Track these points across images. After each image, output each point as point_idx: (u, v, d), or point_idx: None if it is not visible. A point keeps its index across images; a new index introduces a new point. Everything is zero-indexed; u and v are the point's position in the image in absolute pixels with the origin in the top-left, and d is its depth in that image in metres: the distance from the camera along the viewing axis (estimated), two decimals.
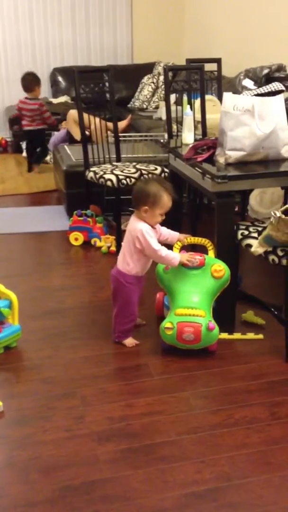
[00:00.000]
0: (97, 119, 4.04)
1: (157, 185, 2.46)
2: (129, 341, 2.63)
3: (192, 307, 2.49)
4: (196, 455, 1.96)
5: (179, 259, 2.52)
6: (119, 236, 3.71)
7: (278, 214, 2.33)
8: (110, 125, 4.21)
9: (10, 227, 4.20)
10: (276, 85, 3.06)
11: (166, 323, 2.49)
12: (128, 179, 3.59)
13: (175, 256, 2.52)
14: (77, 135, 5.41)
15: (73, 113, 5.54)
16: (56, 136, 5.70)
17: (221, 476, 1.87)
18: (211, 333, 2.47)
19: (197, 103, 3.67)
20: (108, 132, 4.33)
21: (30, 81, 5.58)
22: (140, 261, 2.52)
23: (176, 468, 1.90)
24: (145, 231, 2.44)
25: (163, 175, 3.67)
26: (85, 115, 4.03)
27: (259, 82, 3.55)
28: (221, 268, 2.54)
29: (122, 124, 5.50)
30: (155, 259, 2.54)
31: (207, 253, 2.64)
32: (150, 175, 3.59)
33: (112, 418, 2.14)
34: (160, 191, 2.44)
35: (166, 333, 2.49)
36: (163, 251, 2.48)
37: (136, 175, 3.62)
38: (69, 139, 5.45)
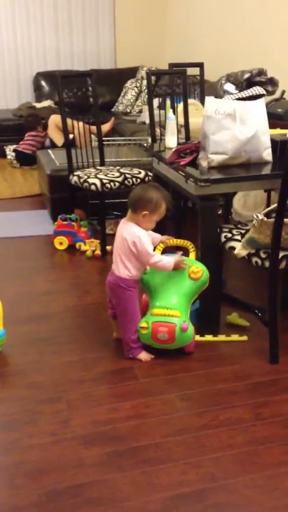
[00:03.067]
0: (81, 124, 4.04)
1: (158, 193, 2.47)
2: (145, 356, 2.54)
3: (168, 307, 2.51)
4: (182, 457, 1.97)
5: (173, 263, 2.50)
6: (104, 240, 3.72)
7: (261, 216, 2.35)
8: (93, 128, 4.22)
9: None
10: (257, 89, 3.09)
11: (141, 323, 2.52)
12: (112, 183, 3.60)
13: (169, 260, 2.50)
14: (58, 141, 5.40)
15: (54, 118, 5.54)
16: None
17: (207, 477, 1.88)
18: (185, 334, 2.49)
19: (180, 107, 3.69)
20: (92, 136, 4.33)
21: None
22: (139, 265, 2.51)
23: (161, 470, 1.91)
24: (143, 239, 2.44)
25: (146, 178, 3.69)
26: (69, 120, 4.03)
27: (240, 87, 3.58)
28: (198, 269, 2.56)
29: (105, 128, 5.51)
30: (149, 265, 2.53)
31: (188, 255, 2.66)
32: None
33: (97, 422, 2.15)
34: (161, 199, 2.46)
35: (142, 333, 2.52)
36: (157, 257, 2.48)
37: (120, 179, 3.64)
38: (51, 145, 5.45)
